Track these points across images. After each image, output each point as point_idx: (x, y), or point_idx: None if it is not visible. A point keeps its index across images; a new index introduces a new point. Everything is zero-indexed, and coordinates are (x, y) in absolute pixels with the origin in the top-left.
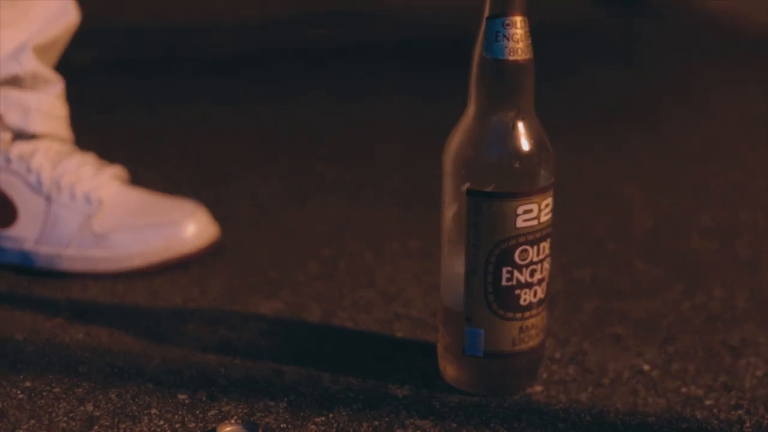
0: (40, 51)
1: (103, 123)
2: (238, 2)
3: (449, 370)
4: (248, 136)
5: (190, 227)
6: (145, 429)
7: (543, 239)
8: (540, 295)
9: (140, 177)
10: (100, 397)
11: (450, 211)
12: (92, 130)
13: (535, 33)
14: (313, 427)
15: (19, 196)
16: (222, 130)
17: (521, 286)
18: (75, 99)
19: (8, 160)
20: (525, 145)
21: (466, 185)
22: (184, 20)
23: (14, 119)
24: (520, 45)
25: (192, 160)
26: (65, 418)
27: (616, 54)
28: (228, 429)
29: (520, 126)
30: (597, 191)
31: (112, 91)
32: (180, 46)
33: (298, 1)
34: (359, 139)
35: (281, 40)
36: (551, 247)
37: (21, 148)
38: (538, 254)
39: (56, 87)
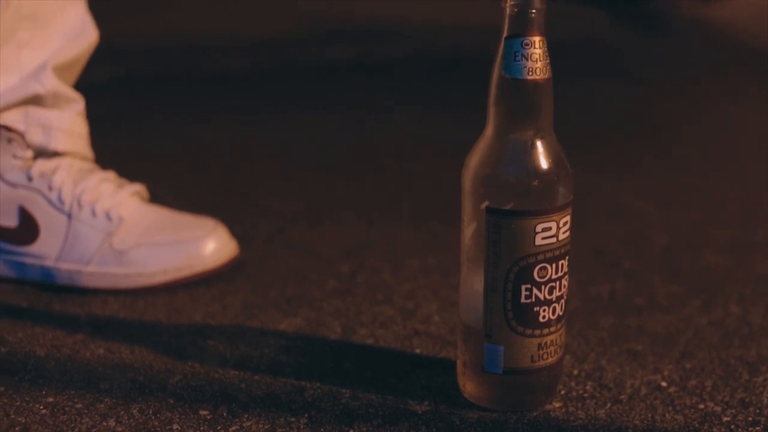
0: (61, 70)
1: (121, 140)
2: (255, 19)
3: (469, 386)
4: (266, 153)
5: (210, 244)
6: None
7: (562, 257)
8: (559, 312)
9: (159, 194)
10: (122, 412)
11: (469, 229)
12: (111, 148)
13: (549, 48)
14: None
15: (41, 213)
16: (240, 147)
17: (540, 303)
18: (93, 116)
19: (30, 178)
20: (543, 163)
21: (485, 203)
22: (202, 37)
23: (36, 137)
24: (539, 65)
25: (210, 177)
26: None
27: (628, 70)
28: None
29: (539, 144)
30: (612, 207)
31: (130, 108)
32: (197, 63)
33: (315, 18)
34: (376, 155)
35: (298, 57)
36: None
37: (42, 165)
38: (556, 272)
39: (77, 105)
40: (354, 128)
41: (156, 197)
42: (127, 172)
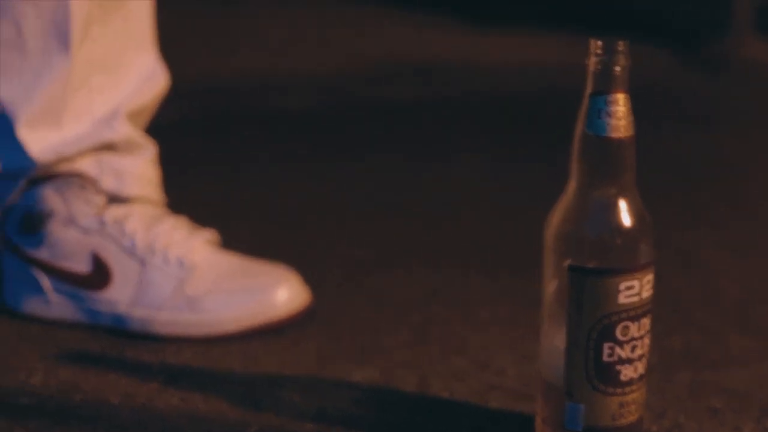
0: (132, 116)
1: (187, 182)
2: (316, 58)
3: None
4: (332, 197)
5: (283, 292)
6: None
7: (644, 315)
8: (640, 370)
9: (228, 238)
10: None
11: (551, 286)
12: (178, 190)
13: None
14: None
15: (114, 259)
16: (304, 189)
17: (622, 362)
18: (160, 158)
19: (103, 224)
20: (627, 221)
21: (568, 261)
22: (264, 76)
23: (109, 184)
24: (623, 122)
25: (278, 221)
26: None
27: (694, 114)
28: None
29: (622, 202)
30: (682, 257)
31: (194, 149)
32: (259, 102)
33: (380, 58)
34: (442, 201)
35: (363, 97)
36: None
37: (115, 211)
38: (639, 330)
39: (149, 152)
40: (420, 171)
41: (226, 242)
42: (196, 215)
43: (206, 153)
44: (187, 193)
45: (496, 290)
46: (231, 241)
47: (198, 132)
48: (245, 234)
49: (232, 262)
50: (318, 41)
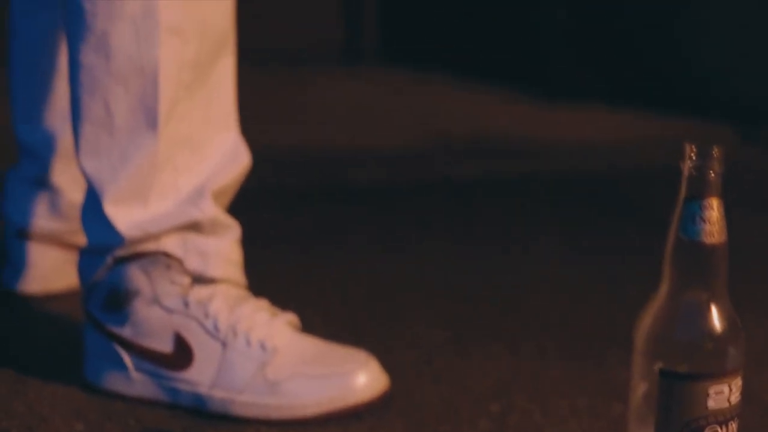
0: (217, 195)
1: (261, 259)
2: (384, 132)
3: None
4: (405, 276)
5: (362, 378)
6: None
7: (732, 419)
8: None
9: (305, 320)
10: None
11: (639, 388)
12: (252, 267)
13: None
14: None
15: (196, 340)
16: (377, 268)
17: None
18: None
19: (186, 305)
20: (719, 326)
21: (659, 364)
22: (334, 150)
23: (194, 264)
24: (716, 227)
25: (353, 301)
26: None
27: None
28: None
29: (714, 307)
30: (761, 349)
31: (265, 224)
32: (331, 176)
33: (448, 132)
34: (514, 285)
35: (431, 172)
36: None
37: (199, 292)
38: None
39: (234, 233)
40: (492, 252)
41: (304, 323)
42: (272, 295)
43: (273, 227)
44: (262, 270)
45: (573, 378)
46: (309, 323)
47: (264, 205)
48: (317, 312)
49: (312, 345)
50: (386, 116)
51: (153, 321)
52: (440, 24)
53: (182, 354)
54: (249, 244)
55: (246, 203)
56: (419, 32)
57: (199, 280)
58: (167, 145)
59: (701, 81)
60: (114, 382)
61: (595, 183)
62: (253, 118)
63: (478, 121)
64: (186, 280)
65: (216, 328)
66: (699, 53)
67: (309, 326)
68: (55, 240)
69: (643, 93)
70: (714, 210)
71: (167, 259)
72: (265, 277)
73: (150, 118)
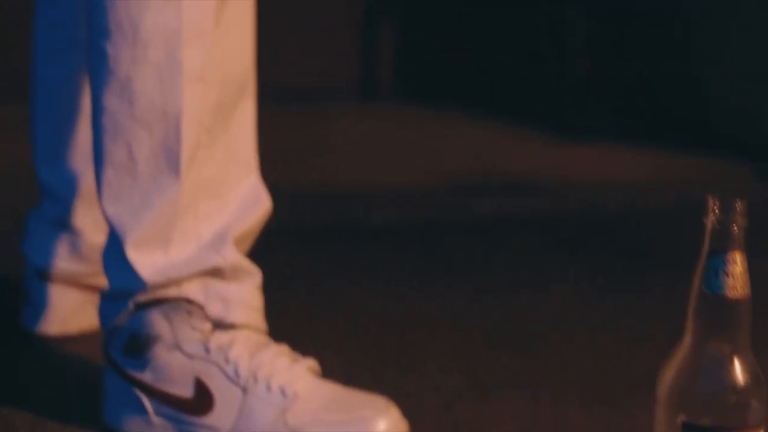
0: (238, 241)
1: (277, 299)
2: (401, 170)
3: None
4: (423, 318)
5: (382, 424)
6: None
7: None
8: None
9: (324, 365)
10: None
11: None
12: (266, 304)
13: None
14: None
15: (216, 385)
16: (394, 309)
17: None
18: None
19: (207, 350)
20: (742, 379)
21: (681, 417)
22: (349, 189)
23: (215, 310)
24: (740, 282)
25: (370, 343)
26: None
27: None
28: None
29: (737, 360)
30: None
31: (280, 263)
32: (344, 216)
33: (464, 170)
34: (533, 327)
35: (448, 211)
36: None
37: (220, 338)
38: None
39: (255, 279)
40: (508, 292)
41: (324, 368)
42: (287, 336)
43: (287, 266)
44: (277, 307)
45: (594, 425)
46: (328, 368)
47: (280, 244)
48: (334, 355)
49: (332, 391)
50: (401, 153)
51: (174, 366)
52: (457, 61)
53: (203, 399)
54: (264, 282)
55: (260, 241)
56: (436, 69)
57: (220, 325)
58: (189, 190)
59: (719, 119)
60: (134, 426)
61: (612, 222)
62: (266, 155)
63: (494, 159)
64: (207, 326)
65: (236, 373)
66: (717, 91)
67: (325, 366)
68: (75, 282)
69: (660, 131)
70: (737, 264)
71: (188, 305)
72: (280, 314)
73: (172, 163)
